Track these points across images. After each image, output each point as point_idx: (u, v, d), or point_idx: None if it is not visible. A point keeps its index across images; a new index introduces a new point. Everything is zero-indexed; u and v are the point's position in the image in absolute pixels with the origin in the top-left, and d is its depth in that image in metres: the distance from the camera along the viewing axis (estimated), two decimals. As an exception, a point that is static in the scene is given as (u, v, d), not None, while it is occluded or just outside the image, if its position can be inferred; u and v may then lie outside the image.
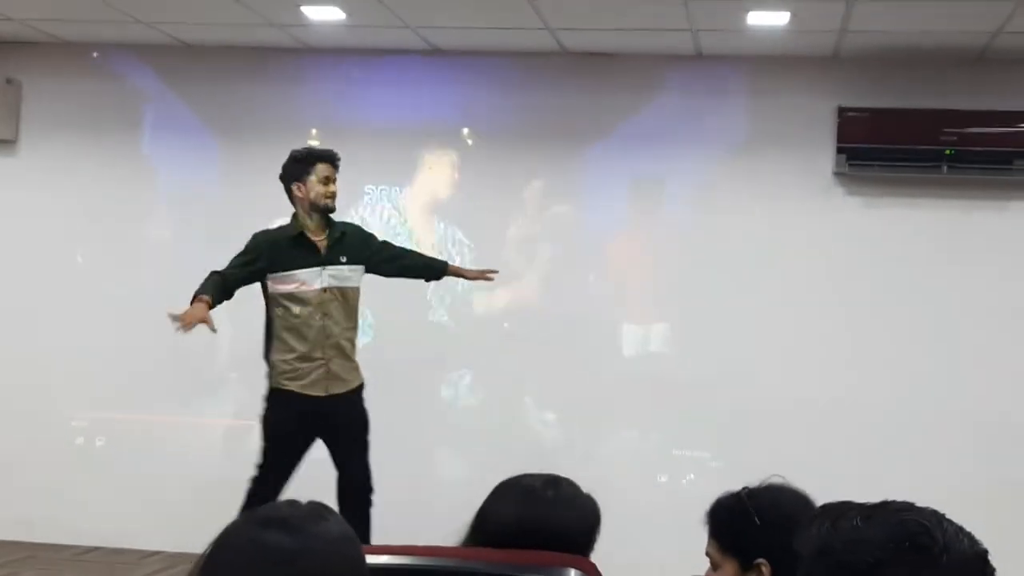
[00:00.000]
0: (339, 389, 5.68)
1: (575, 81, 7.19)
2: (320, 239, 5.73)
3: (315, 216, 5.73)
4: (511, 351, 7.25)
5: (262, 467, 5.67)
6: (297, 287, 5.65)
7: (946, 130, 6.71)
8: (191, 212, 7.61)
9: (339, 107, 7.44)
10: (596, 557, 2.42)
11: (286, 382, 5.65)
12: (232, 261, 5.73)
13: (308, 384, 5.63)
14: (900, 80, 6.86)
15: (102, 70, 7.61)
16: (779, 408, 6.85)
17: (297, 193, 5.73)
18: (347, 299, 5.73)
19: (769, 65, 7.01)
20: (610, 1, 6.12)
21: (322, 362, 5.64)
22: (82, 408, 7.51)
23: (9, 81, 7.52)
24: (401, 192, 7.44)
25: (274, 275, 5.68)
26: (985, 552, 1.55)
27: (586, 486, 2.52)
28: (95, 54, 7.59)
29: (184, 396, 7.46)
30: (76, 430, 7.50)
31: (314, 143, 6.30)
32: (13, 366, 7.47)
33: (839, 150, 6.85)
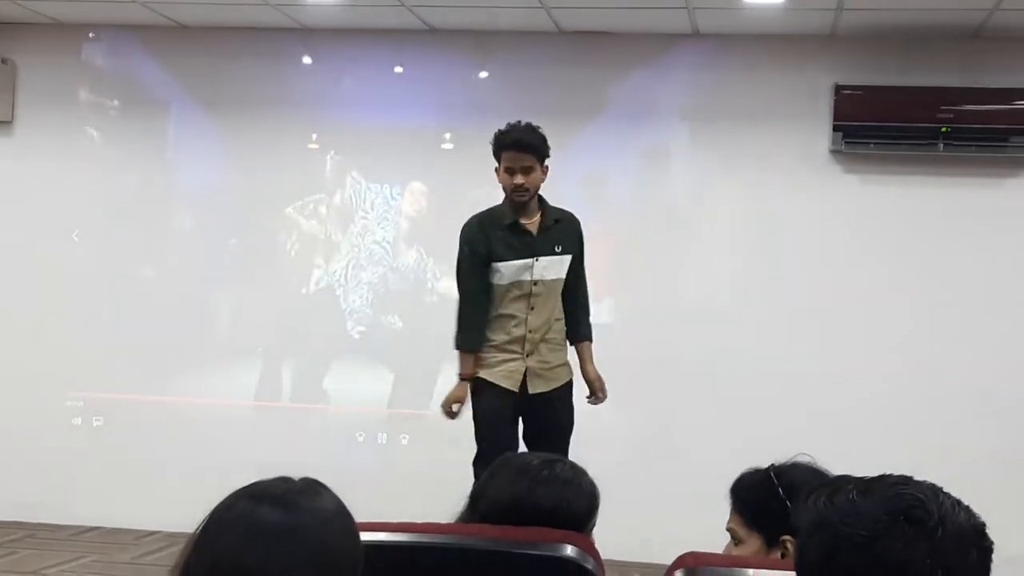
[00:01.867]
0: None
1: (571, 60, 7.17)
2: (530, 223, 5.35)
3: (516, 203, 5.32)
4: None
5: None
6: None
7: (942, 108, 6.71)
8: (189, 193, 7.61)
9: (336, 86, 7.43)
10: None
11: None
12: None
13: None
14: (896, 58, 6.85)
15: (98, 50, 7.60)
16: (775, 385, 6.87)
17: (498, 179, 5.36)
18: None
19: (765, 43, 7.00)
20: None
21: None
22: (80, 388, 7.51)
23: (4, 61, 7.50)
24: (398, 170, 7.44)
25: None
26: (983, 525, 1.56)
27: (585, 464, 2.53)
28: (91, 34, 7.57)
29: (182, 377, 7.47)
30: (73, 410, 7.50)
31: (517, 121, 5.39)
32: (10, 347, 7.48)
33: (835, 128, 6.84)
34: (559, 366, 5.40)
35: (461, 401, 5.34)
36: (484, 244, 5.32)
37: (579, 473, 2.47)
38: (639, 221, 7.22)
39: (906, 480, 1.60)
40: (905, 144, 6.79)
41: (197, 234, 7.61)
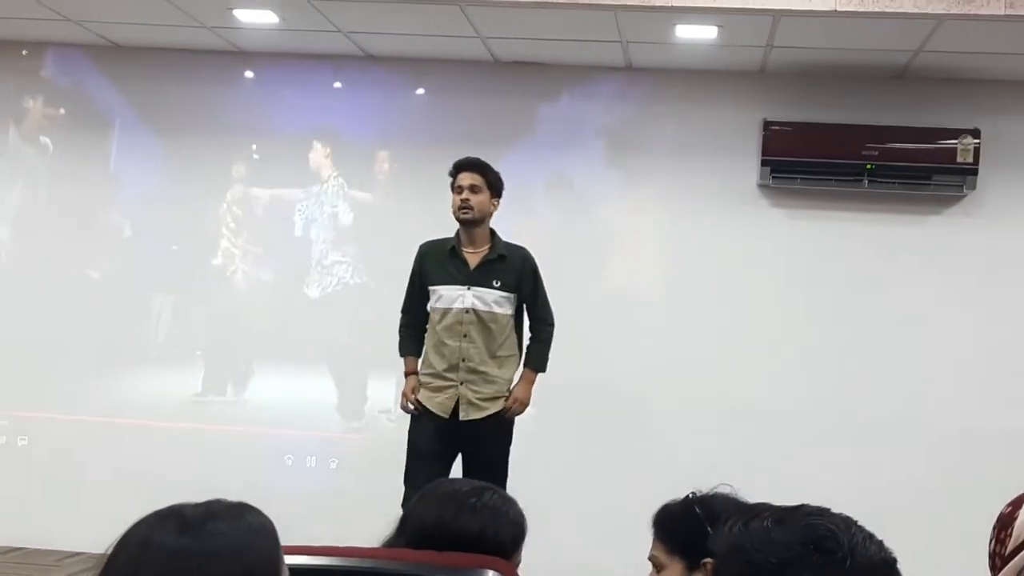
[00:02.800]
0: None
1: (505, 90, 7.23)
2: (472, 254, 5.55)
3: (462, 229, 5.56)
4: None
5: None
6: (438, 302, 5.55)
7: (868, 145, 6.83)
8: (119, 208, 7.55)
9: (268, 111, 7.43)
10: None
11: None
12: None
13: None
14: (824, 95, 6.98)
15: (30, 68, 7.55)
16: (699, 415, 6.93)
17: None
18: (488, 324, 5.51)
19: (697, 78, 7.10)
20: (541, 11, 6.17)
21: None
22: (4, 407, 7.43)
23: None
24: (330, 194, 7.44)
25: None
26: (894, 560, 1.60)
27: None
28: (24, 52, 7.52)
29: (107, 396, 7.40)
30: (-1, 429, 7.42)
31: None
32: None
33: (763, 163, 6.95)
34: (494, 398, 5.50)
35: (407, 394, 5.57)
36: (423, 265, 5.60)
37: (507, 502, 2.48)
38: (565, 250, 7.25)
39: (821, 511, 1.64)
40: (831, 180, 6.90)
41: (134, 253, 7.55)
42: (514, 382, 5.58)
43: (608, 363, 7.10)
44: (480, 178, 5.48)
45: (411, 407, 5.53)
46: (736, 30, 6.37)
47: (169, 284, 7.54)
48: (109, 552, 1.58)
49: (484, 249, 5.53)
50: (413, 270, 5.66)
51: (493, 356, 5.51)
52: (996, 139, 6.85)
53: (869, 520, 1.66)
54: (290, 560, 1.96)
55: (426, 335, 5.60)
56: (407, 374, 5.62)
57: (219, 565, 1.54)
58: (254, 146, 7.48)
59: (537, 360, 5.67)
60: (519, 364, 5.65)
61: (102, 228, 7.55)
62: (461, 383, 5.45)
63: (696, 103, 7.14)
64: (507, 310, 5.53)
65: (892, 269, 7.00)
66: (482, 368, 5.47)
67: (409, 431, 5.55)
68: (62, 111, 7.57)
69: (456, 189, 5.49)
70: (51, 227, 7.52)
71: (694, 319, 7.07)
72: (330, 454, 7.27)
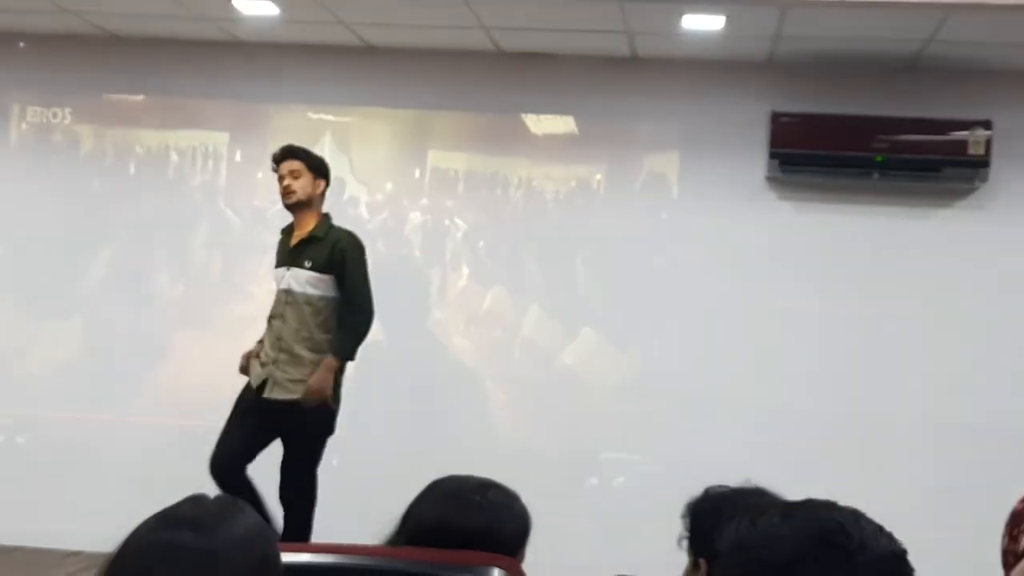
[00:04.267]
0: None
1: (509, 81, 7.15)
2: (296, 236, 5.68)
3: (294, 212, 5.71)
4: (449, 355, 7.21)
5: None
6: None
7: (878, 137, 6.76)
8: (116, 206, 7.49)
9: (268, 102, 7.36)
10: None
11: None
12: None
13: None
14: (833, 86, 6.90)
15: (28, 60, 7.47)
16: (709, 412, 6.87)
17: None
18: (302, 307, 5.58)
19: (704, 69, 7.02)
20: (545, 1, 6.10)
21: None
22: (3, 405, 7.38)
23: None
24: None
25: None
26: (904, 552, 1.55)
27: (516, 486, 2.48)
28: (21, 44, 7.45)
29: (106, 394, 7.35)
30: (-3, 428, 7.37)
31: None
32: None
33: (772, 155, 6.87)
34: (297, 381, 5.49)
35: (244, 355, 5.74)
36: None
37: (511, 498, 2.44)
38: (568, 246, 7.20)
39: (828, 505, 1.59)
40: (840, 172, 6.83)
41: (136, 251, 7.49)
42: None
43: (612, 360, 7.04)
44: (298, 163, 5.59)
45: (243, 364, 5.69)
46: (743, 20, 6.30)
47: (179, 278, 7.47)
48: (115, 552, 1.58)
49: (304, 230, 5.61)
50: None
51: (306, 339, 5.52)
52: (1008, 131, 6.76)
53: (880, 518, 1.59)
54: (294, 558, 1.91)
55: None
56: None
57: (230, 562, 1.55)
58: (254, 137, 7.39)
59: (340, 347, 5.56)
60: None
61: (107, 221, 7.47)
62: (273, 362, 5.52)
63: (703, 94, 7.06)
64: (323, 292, 5.54)
65: (902, 263, 6.92)
66: (293, 350, 5.50)
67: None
68: (62, 104, 7.48)
69: (279, 179, 5.60)
70: (55, 222, 7.45)
71: (702, 313, 7.00)
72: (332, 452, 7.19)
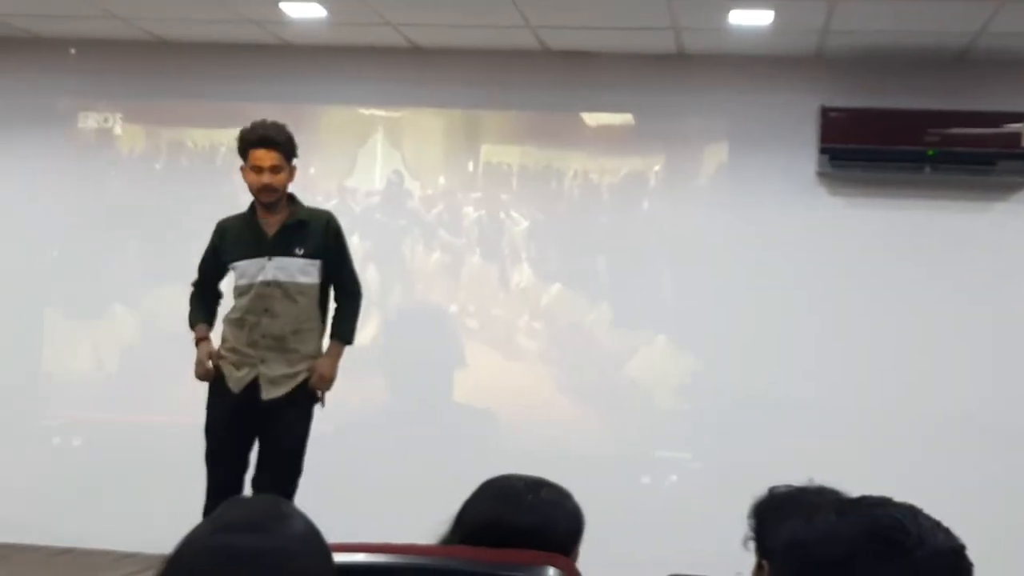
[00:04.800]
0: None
1: (556, 79, 7.14)
2: (269, 222, 5.19)
3: (261, 205, 5.21)
4: (497, 353, 7.22)
5: None
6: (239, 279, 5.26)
7: (929, 130, 6.69)
8: (167, 214, 7.53)
9: (318, 103, 7.38)
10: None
11: None
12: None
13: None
14: (883, 80, 6.83)
15: (78, 66, 7.54)
16: (762, 409, 6.83)
17: (243, 178, 5.24)
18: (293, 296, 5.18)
19: (752, 65, 6.98)
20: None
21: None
22: (59, 408, 7.45)
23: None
24: (380, 190, 7.40)
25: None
26: (962, 547, 1.53)
27: (568, 486, 2.47)
28: (72, 50, 7.51)
29: (161, 395, 7.40)
30: (52, 430, 7.44)
31: (263, 119, 5.29)
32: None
33: (822, 150, 6.82)
34: (295, 374, 5.17)
35: (201, 360, 5.28)
36: (222, 242, 5.30)
37: (564, 496, 2.42)
38: (622, 243, 7.18)
39: (884, 501, 1.57)
40: (892, 167, 6.76)
41: (189, 259, 7.54)
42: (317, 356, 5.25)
43: (663, 354, 7.02)
44: (279, 155, 5.10)
45: (209, 368, 5.23)
46: (792, 14, 6.26)
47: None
48: (169, 561, 1.55)
49: (282, 215, 5.16)
50: (208, 246, 5.37)
51: (297, 331, 5.17)
52: (1062, 122, 6.68)
53: (938, 517, 1.58)
54: (347, 558, 1.90)
55: (227, 314, 5.32)
56: (198, 340, 5.32)
57: (288, 562, 1.53)
58: (304, 137, 7.41)
59: (345, 332, 5.31)
60: (323, 335, 5.28)
61: (157, 223, 7.51)
62: (261, 361, 5.14)
63: (751, 90, 7.02)
64: (314, 279, 5.18)
65: (956, 257, 6.85)
66: (287, 344, 5.14)
67: (207, 406, 5.29)
68: (112, 108, 7.55)
69: (254, 169, 5.09)
70: (107, 224, 7.51)
71: (753, 310, 6.95)
72: (378, 450, 7.20)
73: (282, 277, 5.14)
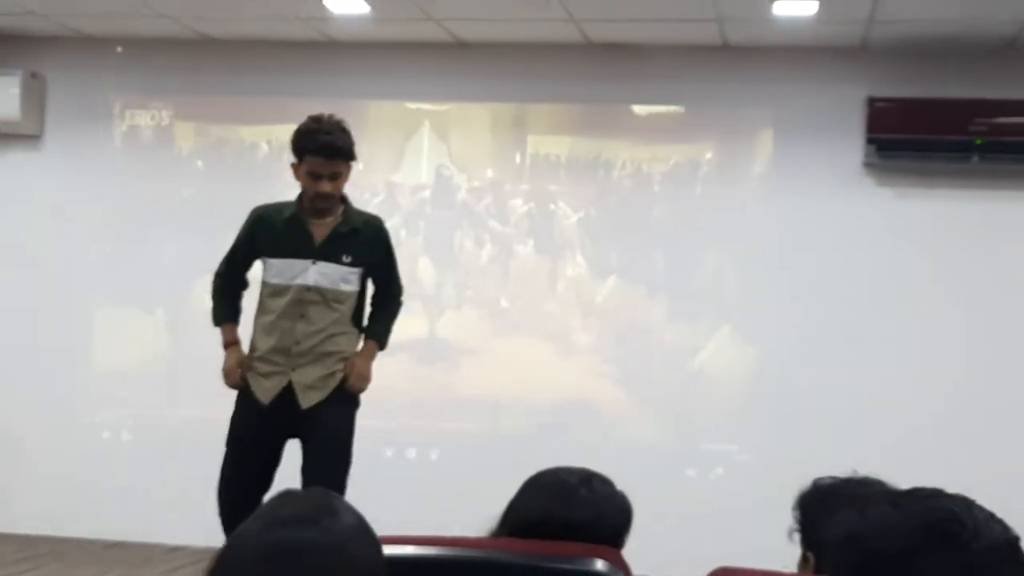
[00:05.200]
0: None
1: (601, 72, 7.13)
2: (318, 224, 4.87)
3: (313, 208, 4.88)
4: (550, 340, 7.24)
5: None
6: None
7: (977, 120, 6.63)
8: (217, 209, 7.58)
9: (363, 99, 7.41)
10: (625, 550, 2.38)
11: None
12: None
13: None
14: (930, 69, 6.78)
15: (126, 64, 7.61)
16: (808, 401, 6.80)
17: (294, 175, 4.91)
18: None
19: (797, 55, 6.95)
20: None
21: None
22: (109, 403, 7.53)
23: (34, 76, 7.51)
24: (428, 183, 7.43)
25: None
26: (1017, 539, 1.53)
27: (615, 479, 2.48)
28: (119, 48, 7.58)
29: (210, 392, 7.44)
30: (103, 424, 7.52)
31: (322, 115, 4.92)
32: (40, 360, 7.49)
33: (869, 140, 6.78)
34: (325, 376, 4.91)
35: (230, 369, 5.03)
36: (256, 232, 4.99)
37: (613, 489, 2.42)
38: (668, 234, 7.17)
39: (938, 493, 1.57)
40: (939, 157, 6.71)
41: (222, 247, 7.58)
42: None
43: (710, 344, 7.00)
44: (341, 162, 4.79)
45: (239, 380, 4.98)
46: (836, 4, 6.22)
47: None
48: (222, 549, 1.55)
49: (334, 219, 4.86)
50: (241, 235, 5.04)
51: (332, 336, 4.89)
52: (1112, 110, 6.60)
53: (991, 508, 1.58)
54: (397, 551, 1.91)
55: (256, 317, 5.01)
56: (227, 344, 5.07)
57: (339, 555, 1.53)
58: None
59: (382, 333, 5.06)
60: (358, 338, 5.02)
61: (205, 217, 7.56)
62: (293, 369, 4.87)
63: (796, 81, 6.99)
64: (353, 287, 4.92)
65: (1005, 248, 6.79)
66: (322, 349, 4.87)
67: (233, 416, 5.06)
68: (161, 105, 7.62)
69: (311, 175, 4.76)
70: (155, 219, 7.58)
71: (799, 301, 6.92)
72: (431, 445, 7.23)
73: (324, 283, 4.87)
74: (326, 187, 4.73)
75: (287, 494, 1.65)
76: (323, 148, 4.71)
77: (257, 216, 5.02)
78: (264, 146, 7.51)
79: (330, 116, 4.88)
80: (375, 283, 5.05)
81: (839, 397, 6.77)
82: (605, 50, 7.09)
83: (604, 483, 2.42)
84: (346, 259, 4.86)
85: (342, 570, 1.53)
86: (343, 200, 4.92)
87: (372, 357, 5.02)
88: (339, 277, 4.88)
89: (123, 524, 7.17)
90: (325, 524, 1.55)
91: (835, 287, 6.90)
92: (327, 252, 4.86)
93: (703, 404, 7.01)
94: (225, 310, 5.13)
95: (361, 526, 1.60)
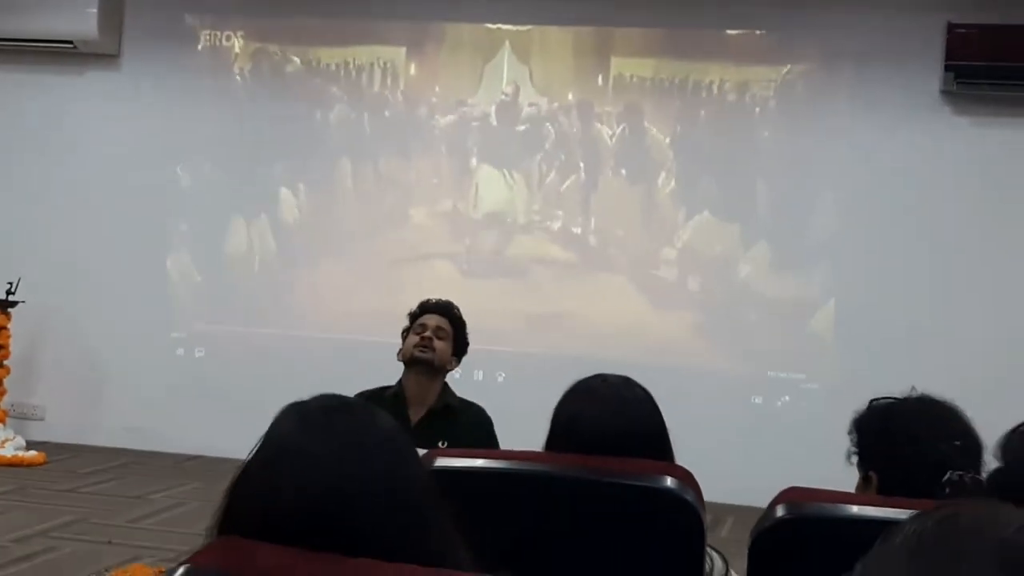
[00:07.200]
0: None
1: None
2: (416, 407, 4.45)
3: (411, 374, 4.47)
4: (613, 267, 7.24)
5: None
6: None
7: (1060, 47, 6.49)
8: (295, 121, 7.61)
9: (444, 20, 7.38)
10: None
11: None
12: None
13: None
14: (1013, -5, 6.63)
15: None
16: (877, 331, 6.74)
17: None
18: None
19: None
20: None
21: None
22: (183, 321, 7.67)
23: (111, -4, 7.56)
24: (507, 103, 7.42)
25: None
26: None
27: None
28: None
29: (278, 309, 7.55)
30: (177, 342, 7.64)
31: None
32: (117, 280, 7.62)
33: (947, 68, 6.65)
34: None
35: None
36: None
37: (649, 394, 2.40)
38: (740, 159, 7.11)
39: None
40: (1020, 85, 6.57)
41: (299, 168, 7.64)
42: None
43: (781, 277, 6.96)
44: (448, 324, 4.50)
45: None
46: (919, -73, 6.08)
47: (360, 185, 7.63)
48: (258, 446, 1.54)
49: (431, 401, 4.48)
50: None
51: None
52: None
53: None
54: (458, 463, 1.92)
55: None
56: None
57: (404, 442, 1.53)
58: (429, 52, 7.46)
59: None
60: None
61: (287, 136, 7.61)
62: None
63: (874, 6, 6.85)
64: None
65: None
66: None
67: None
68: (239, 26, 7.67)
69: (417, 328, 4.48)
70: (237, 139, 7.65)
71: (872, 232, 6.85)
72: (497, 367, 7.26)
73: None
74: (428, 334, 4.45)
75: (328, 396, 1.64)
76: (436, 306, 4.58)
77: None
78: (345, 67, 7.51)
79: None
80: None
81: (910, 329, 6.70)
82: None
83: (640, 387, 2.41)
84: (441, 444, 4.34)
85: (395, 463, 1.53)
86: (444, 387, 4.59)
87: None
88: None
89: (200, 439, 7.26)
90: (368, 421, 1.57)
91: (910, 217, 6.80)
92: (422, 437, 4.18)
93: (771, 333, 6.98)
94: None
95: (398, 428, 1.60)
